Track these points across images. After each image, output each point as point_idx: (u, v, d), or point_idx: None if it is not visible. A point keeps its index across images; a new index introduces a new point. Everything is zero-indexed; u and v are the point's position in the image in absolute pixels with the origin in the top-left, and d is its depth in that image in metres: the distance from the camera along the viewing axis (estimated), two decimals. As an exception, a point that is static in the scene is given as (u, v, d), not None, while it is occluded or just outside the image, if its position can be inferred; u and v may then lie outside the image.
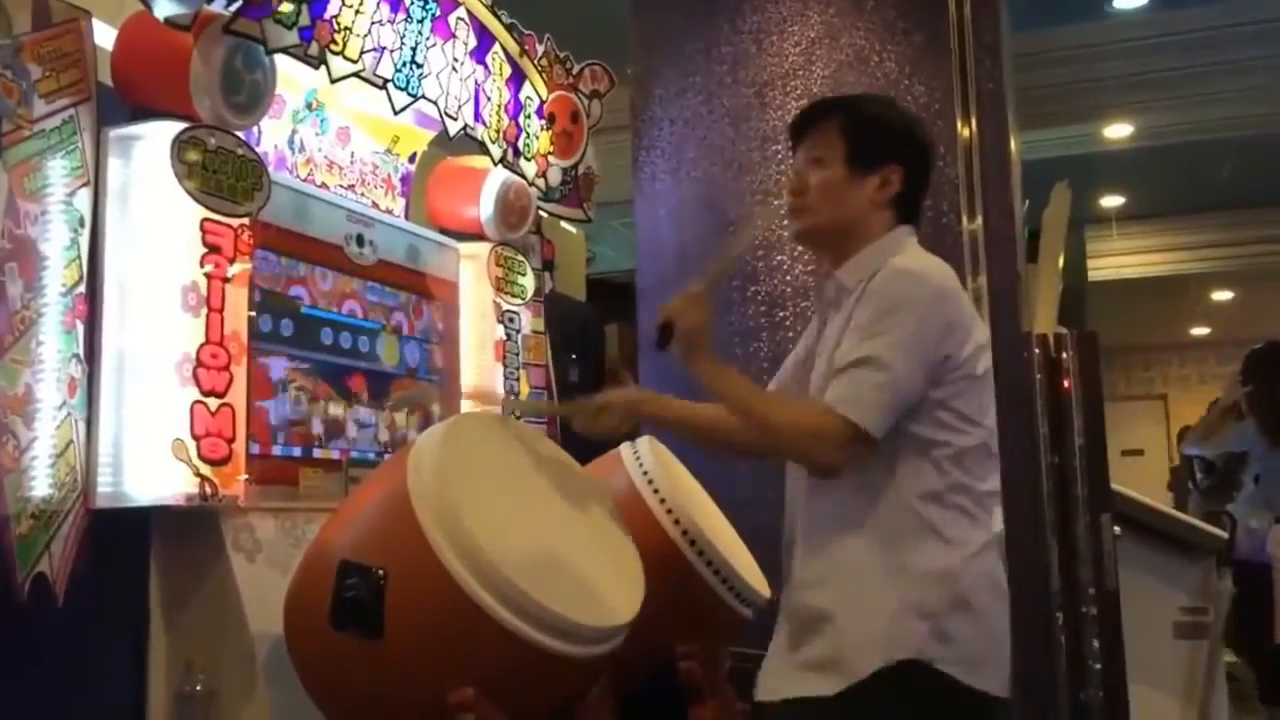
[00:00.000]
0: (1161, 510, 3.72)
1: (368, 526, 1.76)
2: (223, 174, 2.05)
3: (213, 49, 2.04)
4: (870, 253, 1.96)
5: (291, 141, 2.48)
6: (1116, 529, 3.13)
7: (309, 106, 2.51)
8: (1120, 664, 3.07)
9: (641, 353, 3.49)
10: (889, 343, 1.81)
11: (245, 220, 2.10)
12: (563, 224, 3.83)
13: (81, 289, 1.94)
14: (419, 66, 2.46)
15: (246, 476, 2.06)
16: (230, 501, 2.03)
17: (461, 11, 2.62)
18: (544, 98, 2.95)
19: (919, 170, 2.03)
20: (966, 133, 3.26)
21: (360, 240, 2.51)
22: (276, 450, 2.23)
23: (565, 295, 3.87)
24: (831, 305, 2.00)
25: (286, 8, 2.10)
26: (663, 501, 2.15)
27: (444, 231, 2.89)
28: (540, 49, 2.94)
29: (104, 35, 2.05)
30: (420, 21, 2.46)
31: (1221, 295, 11.18)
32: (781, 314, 3.28)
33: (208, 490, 1.98)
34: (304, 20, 2.14)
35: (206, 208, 2.03)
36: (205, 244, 2.03)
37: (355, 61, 2.28)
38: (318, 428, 2.34)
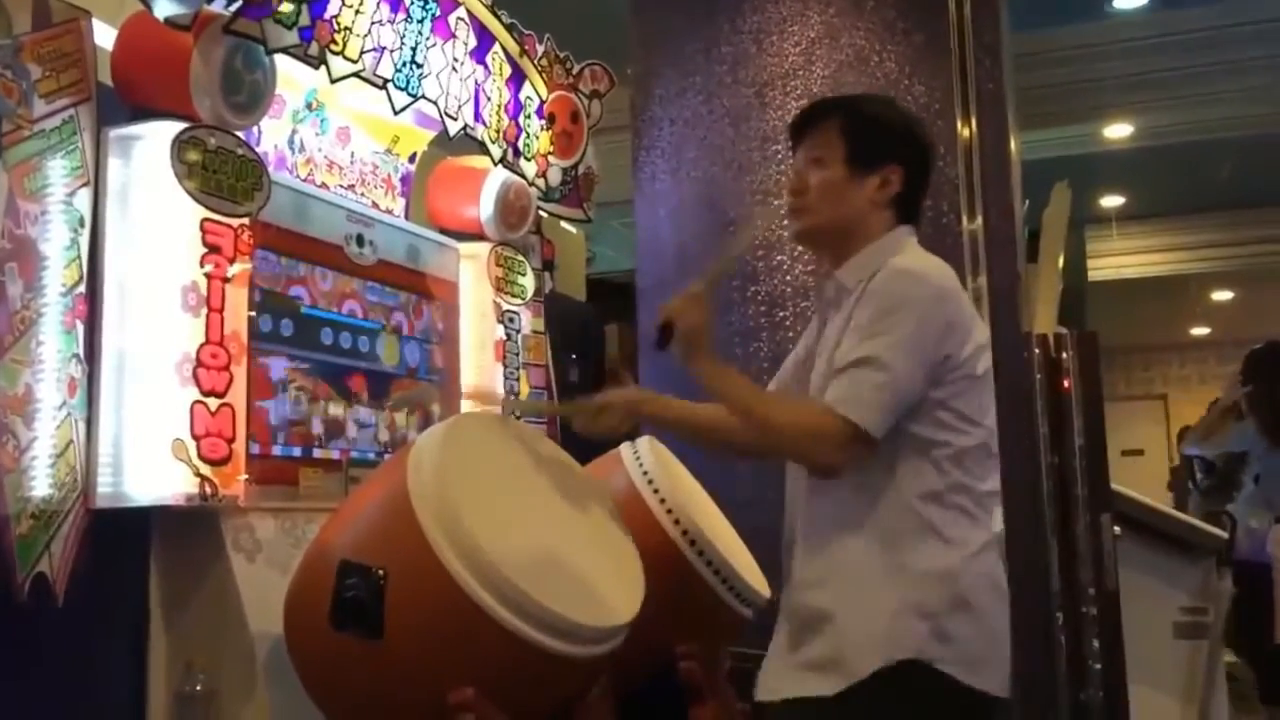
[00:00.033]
0: (1162, 510, 3.72)
1: (368, 526, 1.76)
2: (223, 174, 2.05)
3: (213, 49, 2.04)
4: (870, 253, 1.96)
5: (291, 141, 2.48)
6: (1116, 529, 3.13)
7: (309, 106, 2.51)
8: (1120, 664, 3.07)
9: (641, 353, 3.49)
10: (889, 343, 1.81)
11: (245, 220, 2.10)
12: (563, 224, 3.84)
13: (81, 289, 1.94)
14: (419, 66, 2.46)
15: (246, 476, 2.06)
16: (230, 501, 2.03)
17: (461, 11, 2.62)
18: (544, 98, 2.95)
19: (919, 170, 2.03)
20: (966, 133, 3.25)
21: (360, 240, 2.51)
22: (276, 450, 2.23)
23: (565, 295, 3.87)
24: (831, 305, 2.00)
25: (286, 8, 2.10)
26: (663, 501, 2.15)
27: (444, 231, 2.89)
28: (540, 49, 2.94)
29: (104, 35, 2.05)
30: (420, 21, 2.46)
31: (1221, 295, 11.18)
32: (781, 314, 3.28)
33: (208, 490, 1.98)
34: (304, 20, 2.14)
35: (206, 208, 2.03)
36: (205, 244, 2.03)
37: (355, 61, 2.28)
38: (318, 428, 2.34)
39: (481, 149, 2.75)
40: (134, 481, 1.96)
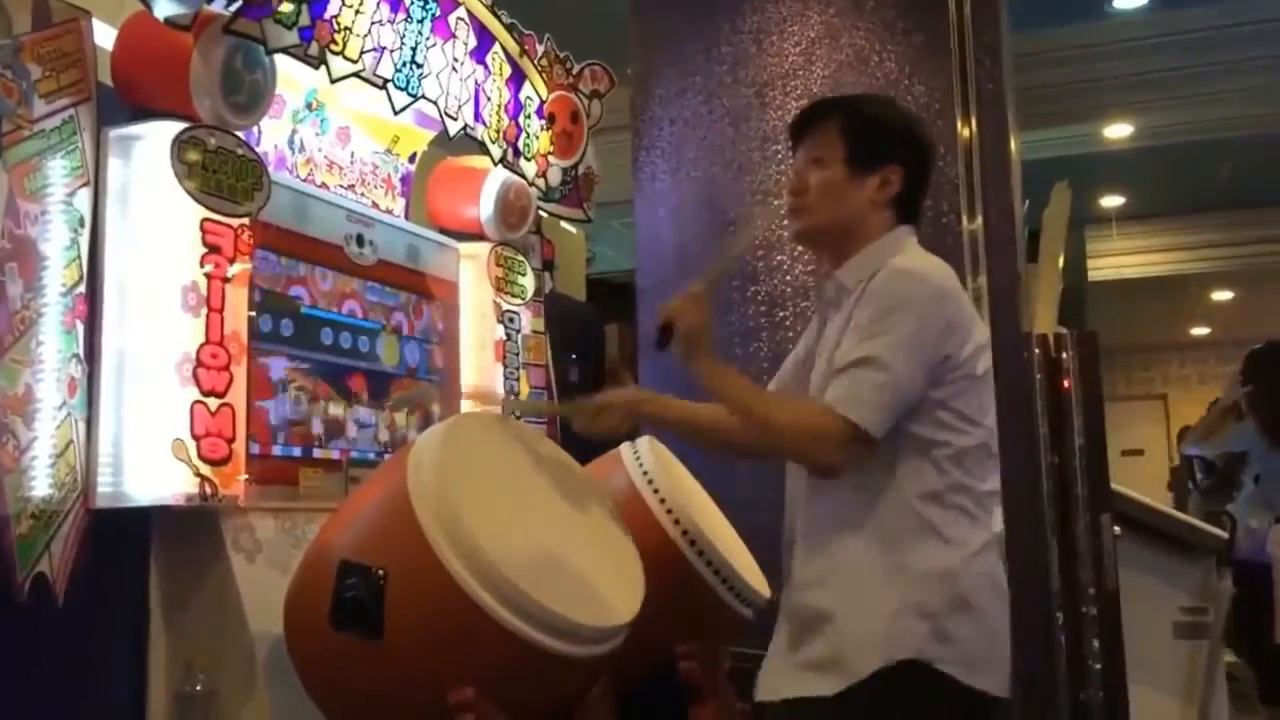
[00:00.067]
0: (1161, 510, 3.72)
1: (368, 526, 1.76)
2: (223, 174, 2.05)
3: (213, 49, 2.04)
4: (870, 253, 1.96)
5: (291, 141, 2.48)
6: (1116, 529, 3.13)
7: (309, 106, 2.51)
8: (1120, 664, 3.07)
9: (641, 352, 3.49)
10: (889, 343, 1.81)
11: (245, 220, 2.10)
12: (563, 224, 3.84)
13: (81, 289, 1.94)
14: (419, 66, 2.46)
15: (246, 476, 2.06)
16: (230, 501, 2.03)
17: (461, 11, 2.62)
18: (544, 98, 2.95)
19: (919, 170, 2.03)
20: (966, 132, 3.25)
21: (360, 240, 2.51)
22: (276, 450, 2.23)
23: (565, 295, 3.87)
24: (831, 305, 2.00)
25: (286, 8, 2.10)
26: (663, 501, 2.15)
27: (444, 231, 2.89)
28: (540, 49, 2.94)
29: (104, 35, 2.05)
30: (420, 21, 2.46)
31: (1221, 295, 11.18)
32: (781, 314, 3.28)
33: (208, 490, 1.98)
34: (304, 20, 2.14)
35: (206, 208, 2.03)
36: (205, 244, 2.03)
37: (355, 61, 2.28)
38: (318, 428, 2.34)
39: (481, 149, 2.75)
40: (134, 481, 1.96)
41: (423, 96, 2.48)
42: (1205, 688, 3.56)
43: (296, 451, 2.28)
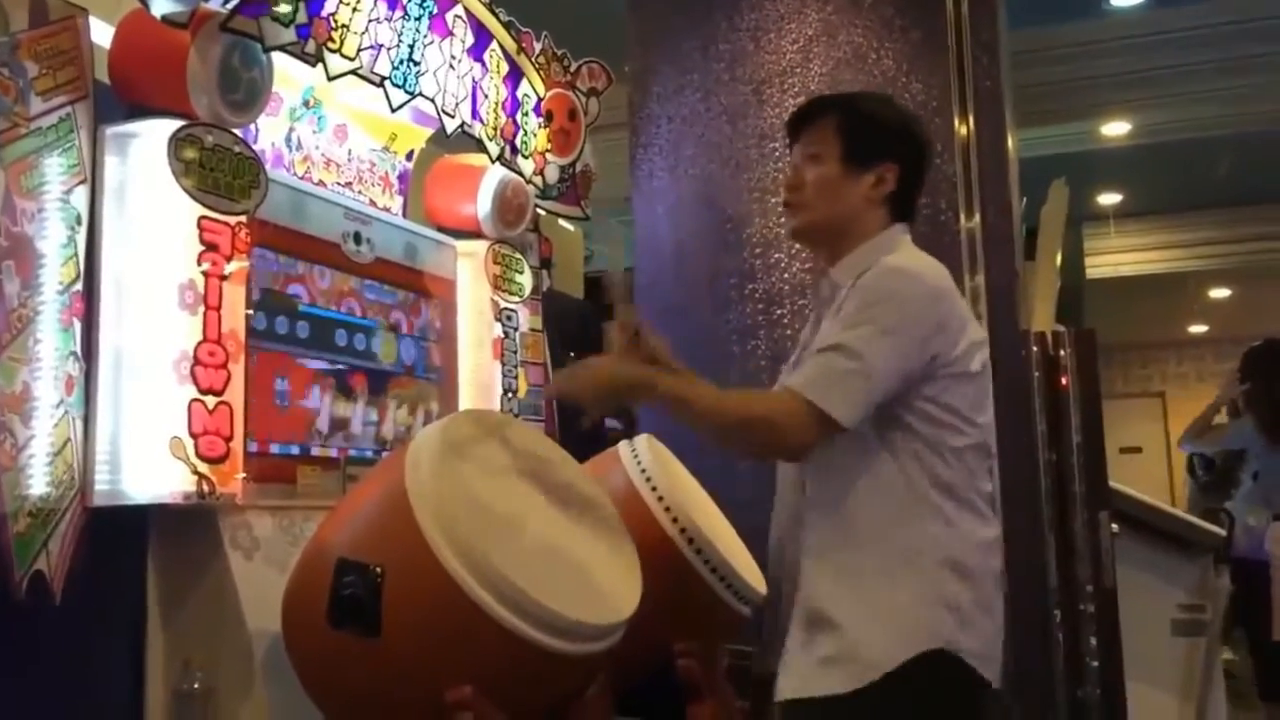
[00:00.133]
0: (1159, 508, 3.73)
1: (365, 524, 1.76)
2: (220, 172, 2.05)
3: (210, 47, 2.03)
4: (864, 251, 1.96)
5: (289, 139, 2.48)
6: (1114, 526, 3.15)
7: (306, 104, 2.51)
8: (1118, 661, 3.08)
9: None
10: (865, 333, 1.82)
11: (242, 218, 2.10)
12: (560, 222, 3.84)
13: (79, 287, 1.93)
14: (416, 64, 2.46)
15: (244, 474, 2.06)
16: (228, 499, 2.03)
17: (459, 9, 2.61)
18: (541, 95, 2.95)
19: (915, 168, 2.04)
20: (964, 130, 3.26)
21: (358, 238, 2.51)
22: (274, 448, 2.23)
23: (563, 293, 3.87)
24: (826, 304, 2.01)
25: (284, 5, 2.09)
26: (661, 500, 2.15)
27: (442, 229, 2.89)
28: (538, 46, 2.94)
29: (101, 33, 2.05)
30: (418, 19, 2.46)
31: (1219, 293, 11.19)
32: (779, 312, 3.28)
33: (205, 488, 1.97)
34: (301, 18, 2.13)
35: (204, 205, 2.02)
36: (202, 242, 2.03)
37: (353, 59, 2.27)
38: (316, 426, 2.34)
39: (479, 146, 2.74)
40: (131, 479, 1.95)
41: (420, 94, 2.48)
42: (1203, 685, 3.57)
43: (294, 449, 2.28)
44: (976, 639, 1.83)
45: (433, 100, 2.52)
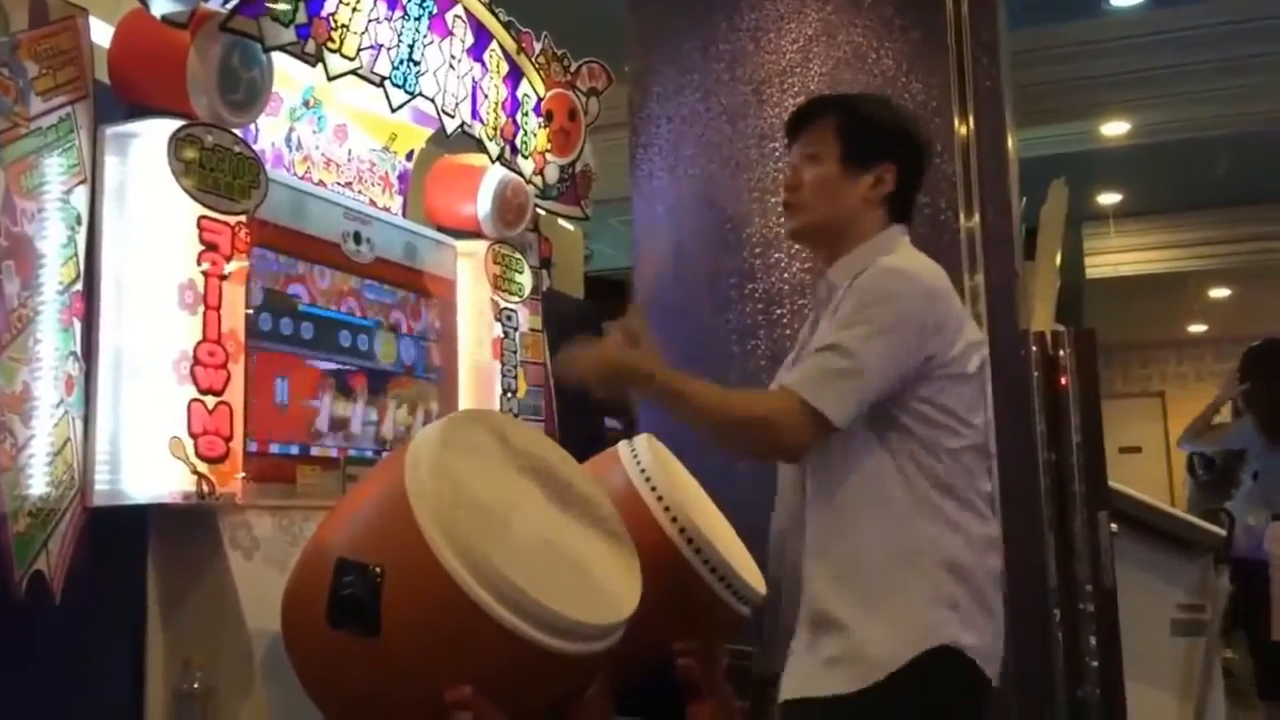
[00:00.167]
0: (1159, 507, 3.73)
1: (365, 524, 1.76)
2: (220, 171, 2.05)
3: (210, 46, 2.03)
4: (861, 252, 1.97)
5: (289, 139, 2.48)
6: (1114, 526, 3.15)
7: (306, 104, 2.51)
8: (1117, 661, 3.08)
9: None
10: (861, 333, 1.82)
11: (242, 218, 2.10)
12: (560, 221, 3.84)
13: (79, 287, 1.94)
14: (416, 64, 2.46)
15: (244, 474, 2.06)
16: (228, 499, 2.03)
17: (459, 9, 2.61)
18: (541, 95, 2.95)
19: (913, 169, 2.04)
20: (964, 130, 3.26)
21: (358, 238, 2.51)
22: (274, 448, 2.23)
23: (563, 293, 3.87)
24: (823, 305, 2.01)
25: (283, 5, 2.09)
26: (660, 500, 2.15)
27: (441, 229, 2.89)
28: (538, 46, 2.94)
29: (101, 33, 2.05)
30: (417, 19, 2.46)
31: (1219, 292, 11.19)
32: (779, 311, 3.28)
33: (205, 488, 1.97)
34: (301, 18, 2.13)
35: (204, 205, 2.02)
36: (202, 241, 2.03)
37: (352, 59, 2.28)
38: (315, 425, 2.34)
39: (479, 146, 2.74)
40: (131, 479, 1.96)
41: (420, 94, 2.48)
42: (1202, 685, 3.57)
43: (294, 449, 2.28)
44: (977, 637, 1.84)
45: (433, 100, 2.52)
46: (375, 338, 2.54)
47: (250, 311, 2.14)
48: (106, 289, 1.99)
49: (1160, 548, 3.58)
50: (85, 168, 1.96)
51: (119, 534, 1.98)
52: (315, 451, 2.33)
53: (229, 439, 2.03)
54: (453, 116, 2.59)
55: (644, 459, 2.22)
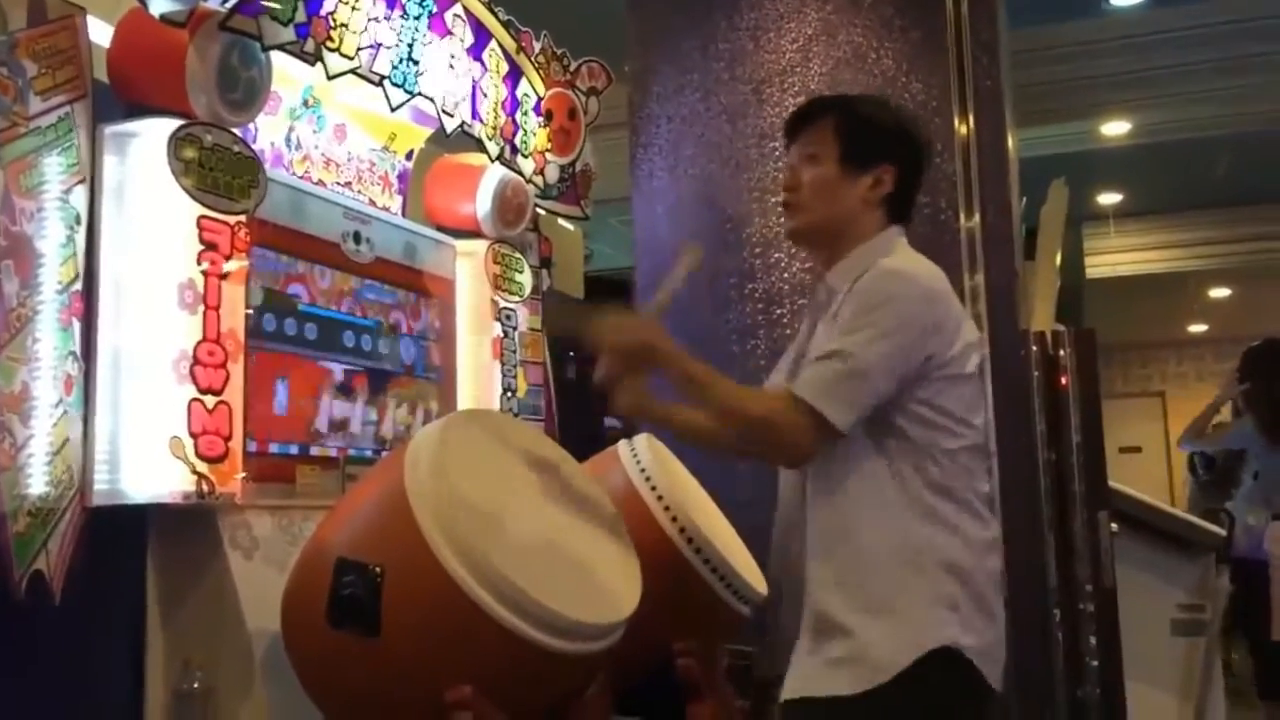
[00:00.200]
0: (1159, 507, 3.72)
1: (365, 524, 1.76)
2: (219, 171, 2.05)
3: (209, 46, 2.03)
4: (860, 254, 1.97)
5: (288, 138, 2.48)
6: (1114, 526, 3.14)
7: (305, 103, 2.51)
8: (1117, 661, 3.08)
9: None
10: (864, 338, 1.82)
11: (242, 217, 2.10)
12: (560, 221, 3.83)
13: (78, 286, 1.93)
14: (416, 63, 2.46)
15: (244, 474, 2.06)
16: (227, 499, 2.03)
17: (458, 8, 2.61)
18: (541, 95, 2.94)
19: (912, 170, 2.04)
20: (964, 130, 3.26)
21: (357, 238, 2.51)
22: (274, 448, 2.23)
23: (563, 293, 3.87)
24: (821, 308, 2.01)
25: (282, 4, 2.09)
26: (660, 499, 2.15)
27: (441, 229, 2.89)
28: (537, 46, 2.94)
29: (100, 32, 2.05)
30: (417, 18, 2.46)
31: (1219, 292, 11.19)
32: (779, 311, 3.28)
33: (205, 488, 1.97)
34: (300, 17, 2.13)
35: (203, 205, 2.02)
36: (202, 241, 2.03)
37: (352, 58, 2.27)
38: (315, 425, 2.34)
39: (479, 146, 2.75)
40: (131, 479, 1.95)
41: (419, 93, 2.48)
42: (1202, 684, 3.57)
43: (294, 449, 2.28)
44: (977, 639, 1.83)
45: (432, 100, 2.52)
46: (375, 337, 2.54)
47: (250, 311, 2.14)
48: (106, 288, 1.99)
49: (1160, 548, 3.57)
50: (84, 167, 1.96)
51: (118, 534, 1.98)
52: (315, 451, 2.33)
53: (228, 439, 2.03)
54: (452, 116, 2.59)
55: (644, 458, 2.22)
